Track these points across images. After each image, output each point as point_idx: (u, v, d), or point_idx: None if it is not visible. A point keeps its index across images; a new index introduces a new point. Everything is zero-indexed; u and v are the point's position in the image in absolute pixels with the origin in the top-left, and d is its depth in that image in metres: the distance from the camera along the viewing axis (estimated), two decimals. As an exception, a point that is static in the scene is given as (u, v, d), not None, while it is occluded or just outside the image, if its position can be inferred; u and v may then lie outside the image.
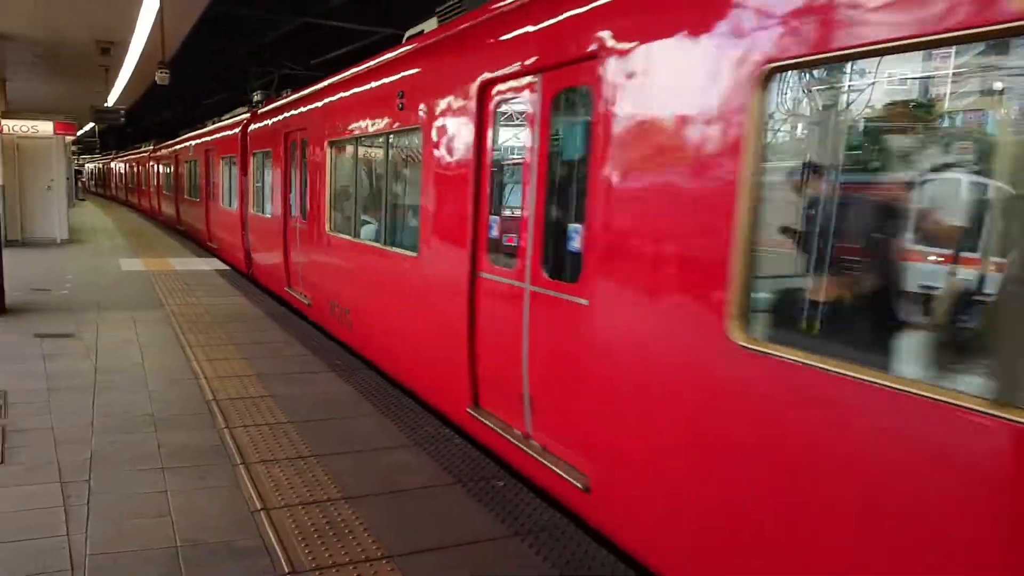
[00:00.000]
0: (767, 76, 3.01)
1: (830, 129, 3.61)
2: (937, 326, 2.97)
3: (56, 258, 15.61)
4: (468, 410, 5.46)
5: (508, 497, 4.56)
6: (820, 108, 3.48)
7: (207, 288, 12.20)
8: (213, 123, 18.45)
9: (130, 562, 3.67)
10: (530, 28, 4.78)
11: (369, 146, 8.05)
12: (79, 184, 48.67)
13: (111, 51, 16.37)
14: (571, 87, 4.50)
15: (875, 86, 3.19)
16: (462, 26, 5.92)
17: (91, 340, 8.23)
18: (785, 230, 3.46)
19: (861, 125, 3.50)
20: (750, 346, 3.04)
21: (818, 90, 3.41)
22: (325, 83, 9.55)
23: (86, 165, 63.85)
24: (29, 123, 17.73)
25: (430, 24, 6.90)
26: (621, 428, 3.87)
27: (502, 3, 5.30)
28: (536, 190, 4.73)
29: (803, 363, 2.82)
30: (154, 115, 33.50)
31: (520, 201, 4.92)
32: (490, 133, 5.29)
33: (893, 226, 3.20)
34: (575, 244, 4.40)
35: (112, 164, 51.67)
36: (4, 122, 16.86)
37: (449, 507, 4.43)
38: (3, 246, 9.94)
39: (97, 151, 53.40)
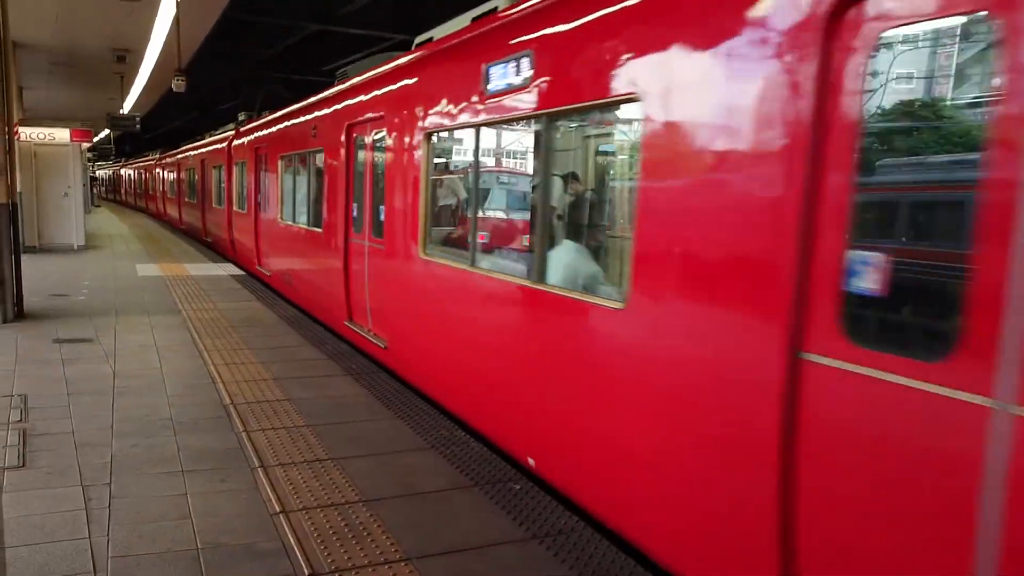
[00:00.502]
0: (427, 135, 6.55)
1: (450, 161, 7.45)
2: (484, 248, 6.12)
3: (73, 264, 15.74)
4: (345, 323, 8.73)
5: (525, 500, 4.57)
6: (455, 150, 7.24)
7: (222, 293, 12.28)
8: (210, 135, 21.46)
9: (151, 564, 3.70)
10: (363, 97, 8.29)
11: (301, 160, 11.21)
12: (94, 191, 49.12)
13: (127, 59, 16.56)
14: (379, 130, 7.77)
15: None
16: (340, 87, 9.29)
17: (109, 345, 8.30)
18: (439, 205, 7.11)
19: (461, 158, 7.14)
20: (424, 257, 6.56)
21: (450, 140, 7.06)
22: (278, 114, 12.83)
23: (98, 172, 64.56)
24: (46, 130, 17.88)
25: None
26: (391, 308, 7.52)
27: (356, 78, 8.69)
28: (369, 187, 8.19)
29: (437, 261, 6.35)
30: (170, 121, 33.73)
31: (363, 194, 8.36)
32: (352, 155, 8.69)
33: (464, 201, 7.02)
34: (382, 216, 7.58)
35: (122, 171, 56.05)
36: (22, 130, 17.02)
37: (466, 510, 4.44)
38: (21, 252, 10.03)
39: (112, 157, 54.34)
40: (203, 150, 20.68)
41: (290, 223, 11.57)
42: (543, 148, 4.96)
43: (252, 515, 4.27)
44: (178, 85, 13.27)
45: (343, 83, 9.22)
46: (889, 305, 2.78)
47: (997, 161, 2.32)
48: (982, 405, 2.30)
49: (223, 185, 17.40)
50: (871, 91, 2.79)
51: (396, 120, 7.21)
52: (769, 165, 3.06)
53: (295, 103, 11.68)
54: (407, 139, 6.92)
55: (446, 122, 6.20)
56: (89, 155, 36.09)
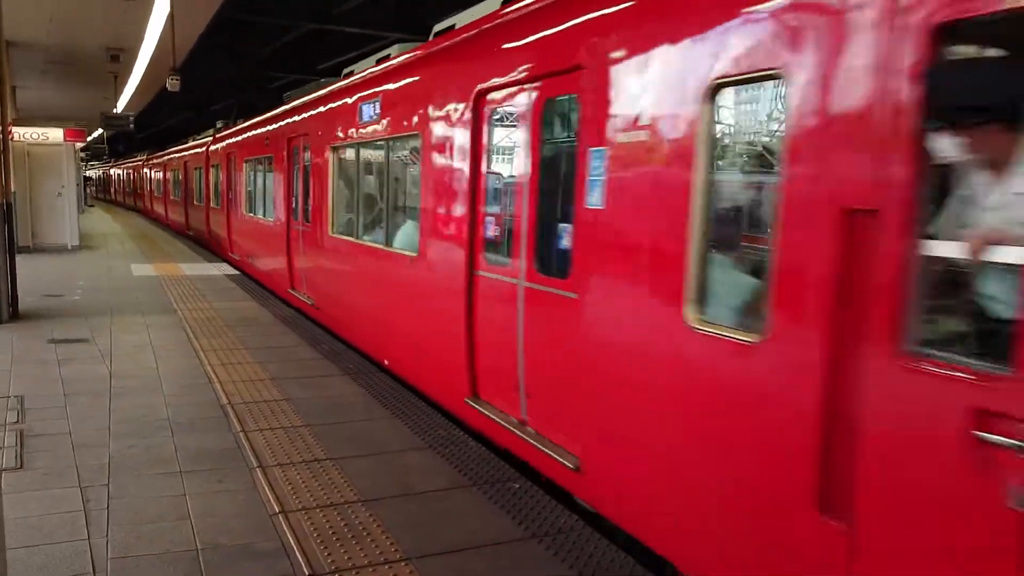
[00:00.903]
0: (332, 148, 9.25)
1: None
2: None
3: (67, 264, 15.70)
4: (288, 290, 11.30)
5: (524, 500, 4.57)
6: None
7: (217, 292, 12.26)
8: (192, 139, 24.02)
9: (151, 565, 3.70)
10: (296, 118, 11.04)
11: (259, 163, 13.58)
12: (87, 191, 48.96)
13: (121, 58, 16.48)
14: (307, 143, 10.33)
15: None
16: (283, 108, 12.10)
17: (105, 345, 8.28)
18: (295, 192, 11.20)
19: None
20: (332, 234, 9.17)
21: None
22: (244, 124, 15.40)
23: (88, 172, 64.69)
24: (39, 130, 17.81)
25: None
26: (315, 273, 10.05)
27: (293, 103, 11.47)
28: (302, 185, 10.61)
29: (339, 236, 8.98)
30: (164, 120, 33.59)
31: (299, 190, 10.88)
32: (292, 161, 11.28)
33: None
34: (310, 207, 10.13)
35: (112, 171, 59.48)
36: (15, 129, 16.92)
37: (465, 509, 4.44)
38: (15, 252, 9.99)
39: (105, 157, 54.55)
40: (186, 153, 23.35)
41: (251, 215, 14.32)
42: (389, 160, 7.81)
43: (251, 515, 4.27)
44: (172, 84, 13.21)
45: (286, 104, 12.09)
46: (495, 242, 5.48)
47: (514, 179, 5.20)
48: (515, 283, 5.08)
49: (202, 184, 20.03)
50: (488, 140, 5.60)
51: (315, 137, 9.90)
52: (460, 172, 5.82)
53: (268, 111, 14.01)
54: (321, 151, 9.57)
55: (341, 141, 8.86)
56: (82, 155, 35.97)
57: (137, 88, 21.20)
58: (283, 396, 6.54)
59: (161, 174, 29.86)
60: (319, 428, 5.73)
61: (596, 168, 4.19)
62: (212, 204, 18.55)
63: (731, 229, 3.85)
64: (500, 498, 4.58)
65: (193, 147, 22.09)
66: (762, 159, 3.90)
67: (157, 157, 31.80)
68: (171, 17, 11.98)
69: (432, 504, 4.50)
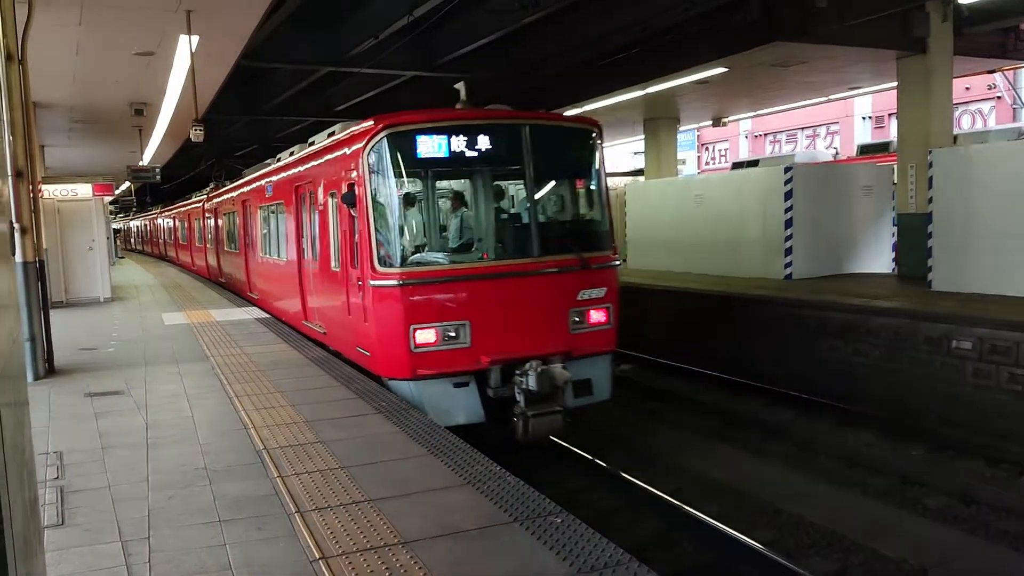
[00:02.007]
0: (258, 207, 16.43)
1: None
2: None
3: (100, 316, 15.91)
4: (248, 294, 17.95)
5: (568, 534, 4.48)
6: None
7: (248, 337, 12.32)
8: (196, 195, 32.18)
9: (195, 619, 3.66)
10: (244, 188, 18.09)
11: (230, 216, 19.88)
12: (117, 242, 49.82)
13: (144, 111, 16.80)
14: (250, 204, 17.08)
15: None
16: (238, 181, 19.65)
17: (140, 396, 8.34)
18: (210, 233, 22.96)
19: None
20: (260, 256, 16.22)
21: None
22: (223, 190, 22.37)
23: (115, 224, 67.14)
24: (68, 186, 18.14)
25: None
26: (258, 281, 16.99)
27: (243, 178, 18.81)
28: (251, 229, 16.99)
29: (265, 258, 15.89)
30: (190, 168, 34.08)
31: (248, 232, 17.45)
32: (245, 214, 17.67)
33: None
34: (256, 241, 16.63)
35: (131, 223, 70.04)
36: (45, 187, 17.26)
37: (508, 546, 4.37)
38: (49, 308, 10.14)
39: (134, 208, 56.79)
40: (188, 207, 31.47)
41: (228, 250, 20.78)
42: (279, 215, 13.63)
43: (291, 563, 4.23)
44: (196, 135, 13.34)
45: (243, 178, 18.76)
46: (308, 250, 11.77)
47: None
48: (310, 267, 11.74)
49: (201, 231, 27.05)
50: (301, 208, 12.08)
51: (252, 200, 16.46)
52: (293, 221, 12.45)
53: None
54: (256, 208, 15.99)
55: (261, 203, 15.23)
56: (111, 208, 36.71)
57: (162, 140, 21.62)
58: (318, 438, 6.52)
59: (172, 223, 38.81)
60: (355, 469, 5.69)
61: (315, 217, 10.65)
62: (208, 245, 25.59)
63: (334, 238, 9.86)
64: (542, 533, 4.50)
65: (193, 203, 30.57)
66: (349, 218, 9.13)
67: (168, 210, 41.15)
68: (192, 70, 12.20)
69: (473, 542, 4.43)
